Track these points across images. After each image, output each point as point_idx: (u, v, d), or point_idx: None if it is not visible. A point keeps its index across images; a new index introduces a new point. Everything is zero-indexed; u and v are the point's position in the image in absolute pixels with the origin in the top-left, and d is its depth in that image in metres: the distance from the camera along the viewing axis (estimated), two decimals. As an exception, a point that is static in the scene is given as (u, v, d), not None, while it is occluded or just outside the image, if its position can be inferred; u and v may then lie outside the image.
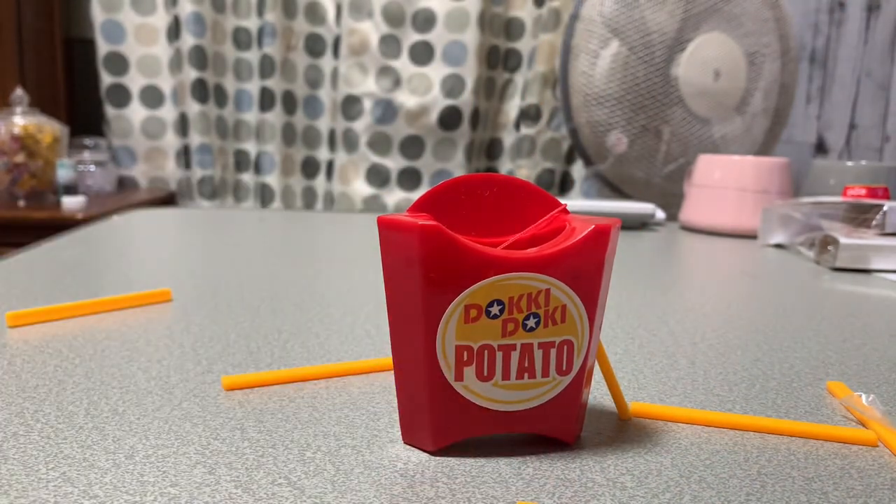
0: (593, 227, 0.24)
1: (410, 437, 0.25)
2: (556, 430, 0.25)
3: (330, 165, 1.69)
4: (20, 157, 1.43)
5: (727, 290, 0.58)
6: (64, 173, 1.42)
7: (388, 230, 0.23)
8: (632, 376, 0.34)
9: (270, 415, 0.28)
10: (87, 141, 1.62)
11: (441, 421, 0.24)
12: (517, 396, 0.24)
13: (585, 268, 0.24)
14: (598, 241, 0.24)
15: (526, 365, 0.24)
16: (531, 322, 0.23)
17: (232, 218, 0.89)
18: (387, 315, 0.25)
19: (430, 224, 0.22)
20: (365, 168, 1.64)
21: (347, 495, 0.22)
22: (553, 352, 0.24)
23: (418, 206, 0.25)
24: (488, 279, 0.23)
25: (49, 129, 1.47)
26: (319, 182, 1.72)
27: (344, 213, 1.01)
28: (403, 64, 1.60)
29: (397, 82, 1.60)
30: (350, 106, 1.62)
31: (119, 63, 1.62)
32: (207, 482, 0.22)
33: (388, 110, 1.60)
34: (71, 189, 1.42)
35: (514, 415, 0.25)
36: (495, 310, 0.23)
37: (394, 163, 1.63)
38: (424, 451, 0.25)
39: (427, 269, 0.22)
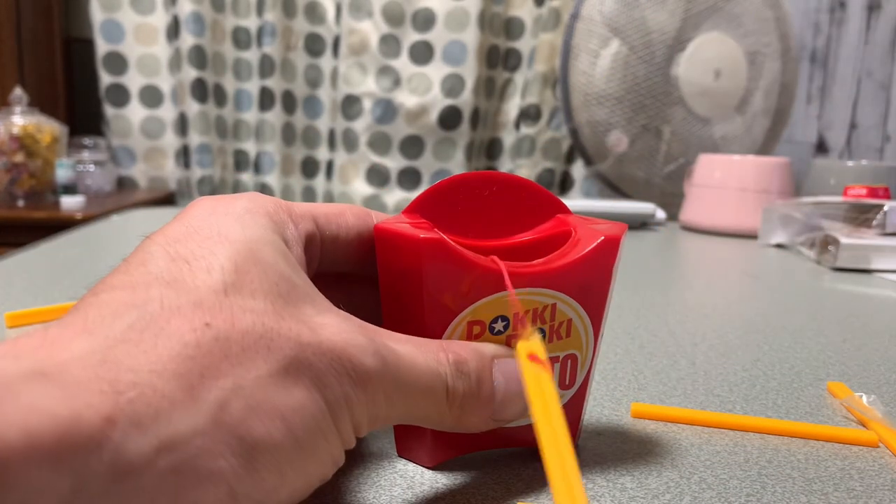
0: (602, 238, 0.23)
1: (407, 452, 0.24)
2: None
3: (330, 165, 1.69)
4: (19, 157, 1.43)
5: (727, 290, 0.58)
6: (63, 173, 1.42)
7: (387, 241, 0.22)
8: (632, 376, 0.33)
9: (269, 415, 0.28)
10: (87, 141, 1.62)
11: (440, 437, 0.23)
12: None
13: (593, 280, 0.23)
14: (608, 251, 0.23)
15: None
16: None
17: (231, 218, 0.89)
18: (382, 324, 0.23)
19: (433, 237, 0.21)
20: (365, 168, 1.64)
21: (347, 496, 0.22)
22: (557, 366, 0.23)
23: (416, 206, 0.24)
24: (493, 295, 0.22)
25: (48, 128, 1.47)
26: (319, 182, 1.72)
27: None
28: (403, 64, 1.60)
29: (397, 82, 1.60)
30: (350, 106, 1.62)
31: (118, 63, 1.62)
32: (205, 483, 0.22)
33: (387, 110, 1.60)
34: (70, 189, 1.42)
35: (516, 430, 0.24)
36: (499, 326, 0.22)
37: (394, 162, 1.63)
38: (422, 466, 0.24)
39: (428, 285, 0.21)
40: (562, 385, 0.24)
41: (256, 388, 0.16)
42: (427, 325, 0.22)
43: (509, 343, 0.22)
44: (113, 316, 0.16)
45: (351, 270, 0.24)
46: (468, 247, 0.22)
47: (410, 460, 0.24)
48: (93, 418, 0.13)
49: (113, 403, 0.14)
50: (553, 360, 0.23)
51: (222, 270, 0.17)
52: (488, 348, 0.21)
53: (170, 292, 0.16)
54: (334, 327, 0.18)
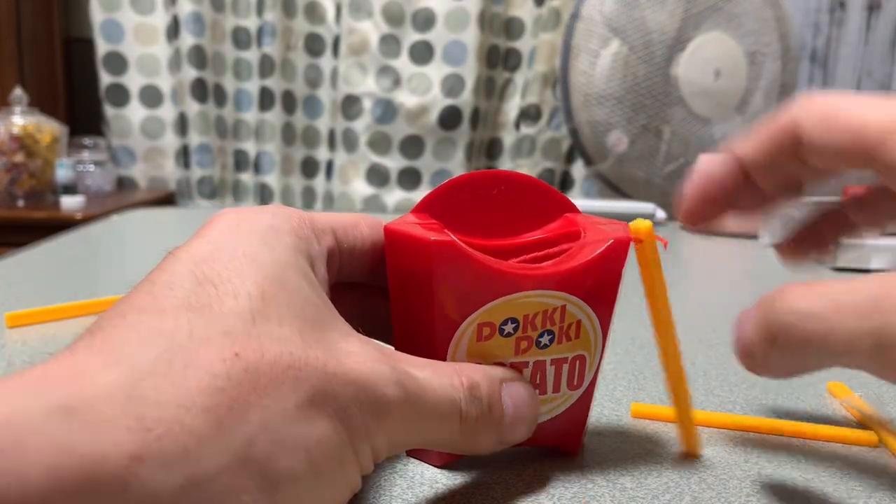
0: (612, 240, 0.22)
1: (415, 452, 0.24)
2: (562, 443, 0.25)
3: (329, 165, 1.69)
4: (19, 157, 1.43)
5: (728, 290, 0.58)
6: (63, 173, 1.42)
7: (397, 242, 0.22)
8: (632, 376, 0.34)
9: (269, 415, 0.28)
10: (87, 141, 1.62)
11: None
12: None
13: (603, 282, 0.23)
14: (617, 254, 0.23)
15: (537, 381, 0.23)
16: (545, 339, 0.22)
17: (231, 218, 0.89)
18: (392, 329, 0.23)
19: (444, 239, 0.21)
20: (365, 168, 1.64)
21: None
22: (565, 367, 0.23)
23: (424, 205, 0.23)
24: (503, 297, 0.21)
25: (48, 128, 1.47)
26: (319, 182, 1.72)
27: (343, 213, 1.00)
28: (403, 63, 1.60)
29: (397, 82, 1.60)
30: (350, 106, 1.62)
31: (118, 63, 1.62)
32: (206, 483, 0.22)
33: (387, 110, 1.60)
34: (70, 189, 1.42)
35: None
36: (509, 328, 0.22)
37: (394, 163, 1.63)
38: (431, 465, 0.24)
39: (439, 287, 0.21)
40: (570, 386, 0.24)
41: (283, 422, 0.16)
42: (437, 327, 0.21)
43: (518, 345, 0.22)
44: (139, 343, 0.15)
45: (364, 281, 0.24)
46: (476, 246, 0.22)
47: (419, 460, 0.24)
48: (118, 457, 0.13)
49: (141, 441, 0.13)
50: (561, 361, 0.23)
51: (249, 297, 0.17)
52: (497, 372, 0.22)
53: (198, 320, 0.16)
54: (359, 356, 0.18)
